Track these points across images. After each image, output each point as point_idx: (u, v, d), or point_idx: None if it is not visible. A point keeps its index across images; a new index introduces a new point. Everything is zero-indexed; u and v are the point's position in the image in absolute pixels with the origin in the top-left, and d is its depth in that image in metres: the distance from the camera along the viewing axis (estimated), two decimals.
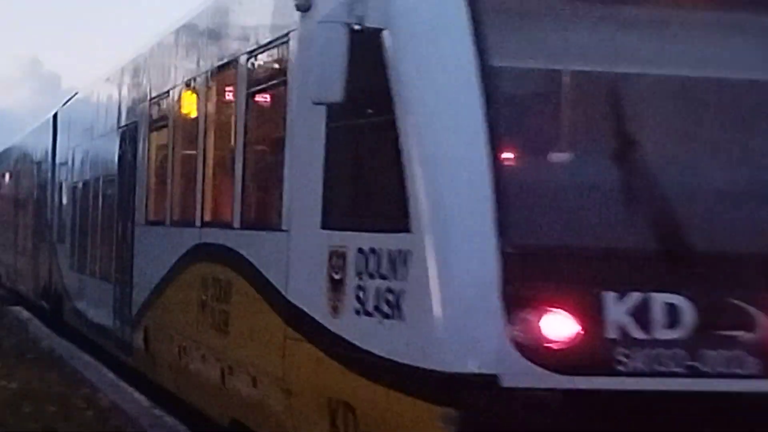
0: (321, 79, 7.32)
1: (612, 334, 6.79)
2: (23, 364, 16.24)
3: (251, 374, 9.61)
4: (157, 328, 13.44)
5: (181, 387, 12.58)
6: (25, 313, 24.53)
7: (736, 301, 7.00)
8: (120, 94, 16.79)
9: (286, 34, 9.02)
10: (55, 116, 23.80)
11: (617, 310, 6.80)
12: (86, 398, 13.58)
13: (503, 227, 6.78)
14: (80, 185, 20.23)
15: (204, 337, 11.16)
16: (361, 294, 7.54)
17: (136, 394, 14.45)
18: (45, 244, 24.37)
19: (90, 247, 18.71)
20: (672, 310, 6.88)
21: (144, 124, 14.77)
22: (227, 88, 11.15)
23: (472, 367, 6.65)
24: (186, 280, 12.10)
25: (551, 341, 6.70)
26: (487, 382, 6.60)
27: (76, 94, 22.73)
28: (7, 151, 34.48)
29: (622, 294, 6.85)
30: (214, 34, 12.00)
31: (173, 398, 12.55)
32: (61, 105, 23.81)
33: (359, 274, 7.54)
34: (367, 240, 7.50)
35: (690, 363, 6.89)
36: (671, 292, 6.91)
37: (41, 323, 22.49)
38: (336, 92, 7.19)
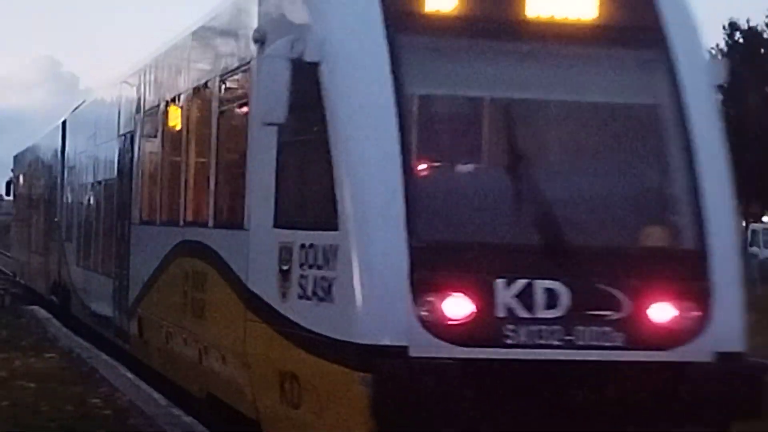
0: (267, 105, 9.05)
1: (501, 313, 8.45)
2: (41, 363, 16.28)
3: (221, 352, 11.20)
4: (149, 317, 14.93)
5: (167, 368, 14.10)
6: (43, 312, 24.56)
7: (604, 286, 8.67)
8: (119, 105, 18.34)
9: (248, 63, 10.57)
10: (64, 123, 25.38)
11: (506, 294, 8.48)
12: (104, 397, 13.52)
13: (411, 226, 8.44)
14: (85, 188, 21.87)
15: (185, 323, 12.77)
16: (303, 282, 9.16)
17: (155, 394, 14.29)
18: (55, 243, 25.89)
19: (93, 245, 20.27)
20: (551, 293, 8.55)
21: (138, 133, 16.40)
22: (203, 106, 12.78)
23: (385, 340, 8.29)
24: (172, 273, 13.65)
25: (451, 319, 8.37)
26: (398, 352, 8.23)
27: (83, 102, 24.27)
28: (21, 153, 36.12)
29: (510, 281, 8.51)
30: (195, 58, 13.68)
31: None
32: (70, 112, 25.36)
33: (302, 265, 9.18)
34: (307, 237, 9.17)
35: (566, 337, 8.53)
36: (550, 278, 8.57)
37: (59, 323, 22.65)
38: (279, 116, 8.94)
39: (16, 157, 38.14)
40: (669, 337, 8.72)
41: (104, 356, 18.09)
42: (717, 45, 69.24)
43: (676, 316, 8.75)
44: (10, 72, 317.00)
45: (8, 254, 45.24)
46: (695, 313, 8.80)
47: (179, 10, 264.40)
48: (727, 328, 8.94)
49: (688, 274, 8.96)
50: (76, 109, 24.79)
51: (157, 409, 13.17)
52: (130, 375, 16.16)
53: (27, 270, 33.10)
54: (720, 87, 10.20)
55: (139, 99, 16.73)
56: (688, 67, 9.49)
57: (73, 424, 11.77)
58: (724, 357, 8.78)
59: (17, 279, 35.54)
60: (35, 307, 25.84)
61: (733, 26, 67.32)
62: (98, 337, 19.15)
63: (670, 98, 9.46)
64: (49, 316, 23.92)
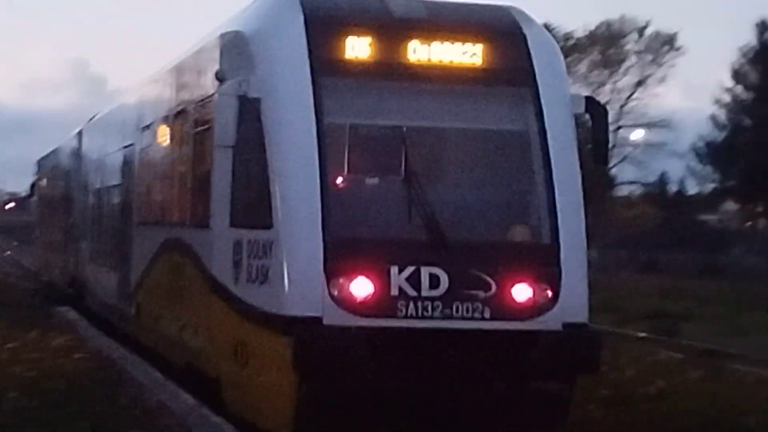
0: (220, 131, 11.80)
1: (394, 292, 10.87)
2: (71, 363, 16.14)
3: (194, 328, 13.87)
4: (144, 303, 17.63)
5: (157, 345, 16.62)
6: (73, 314, 24.64)
7: (475, 272, 11.06)
8: (123, 120, 20.74)
9: (212, 95, 12.67)
10: (80, 132, 27.75)
11: (399, 277, 10.90)
12: (134, 397, 13.44)
13: (326, 226, 10.93)
14: (96, 192, 24.28)
15: (169, 306, 15.68)
16: (249, 269, 11.72)
17: (184, 394, 14.51)
18: (71, 241, 28.22)
19: (102, 243, 22.89)
20: (433, 277, 10.95)
21: (137, 146, 19.01)
22: (182, 128, 15.33)
23: (304, 312, 10.78)
24: (160, 265, 16.35)
25: (355, 297, 10.81)
26: (314, 321, 10.72)
27: (96, 114, 26.50)
28: (44, 158, 38.08)
29: (401, 267, 10.93)
30: (176, 87, 16.24)
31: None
32: (86, 122, 27.58)
33: (248, 256, 11.72)
34: (251, 234, 11.73)
35: (445, 311, 10.92)
36: (433, 265, 10.97)
37: (89, 323, 22.70)
38: (230, 140, 11.75)
39: (39, 161, 40.03)
40: (526, 311, 11.19)
41: (133, 357, 18.14)
42: (748, 43, 69.65)
43: (532, 295, 11.21)
44: (40, 73, 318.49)
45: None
46: (548, 293, 11.29)
47: (204, 10, 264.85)
48: (574, 305, 11.47)
49: (543, 262, 11.45)
50: (90, 120, 27.06)
51: (186, 408, 13.11)
52: (158, 375, 16.17)
53: (48, 266, 35.30)
54: (751, 86, 12.20)
55: (136, 117, 19.30)
56: (551, 101, 11.98)
57: (103, 424, 11.73)
58: (570, 326, 11.33)
59: (41, 276, 37.30)
60: (65, 308, 25.92)
61: (764, 25, 67.70)
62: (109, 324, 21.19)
63: (534, 126, 11.93)
64: (79, 316, 23.99)
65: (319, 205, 11.12)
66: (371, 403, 11.19)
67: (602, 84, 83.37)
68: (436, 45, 11.99)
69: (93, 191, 24.86)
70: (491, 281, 11.21)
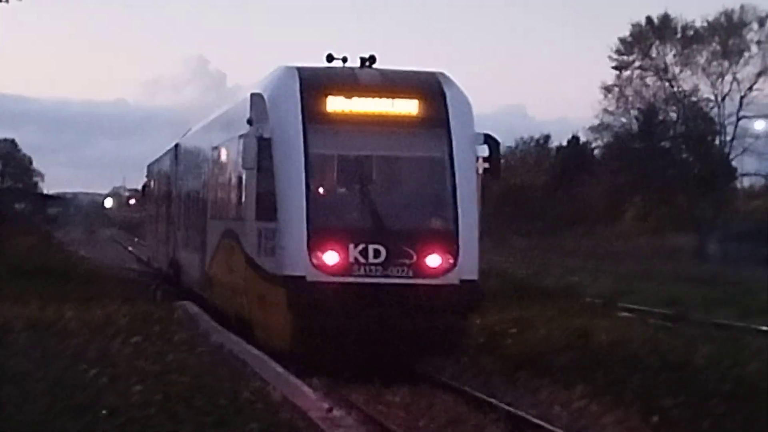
0: (246, 159, 19.06)
1: (351, 260, 17.80)
2: (193, 357, 16.28)
3: (239, 289, 20.91)
4: (212, 274, 24.84)
5: (221, 304, 23.42)
6: (194, 308, 25.00)
7: (404, 248, 17.95)
8: (202, 140, 28.34)
9: (246, 133, 19.74)
10: (176, 145, 34.80)
11: (354, 251, 17.77)
12: (256, 392, 13.72)
13: (309, 220, 17.89)
14: (187, 194, 31.20)
15: (227, 276, 22.60)
16: (265, 246, 18.83)
17: (305, 388, 14.86)
18: (170, 233, 35.27)
19: (189, 233, 29.95)
20: (376, 251, 17.80)
21: (209, 161, 26.50)
22: (230, 152, 22.98)
23: (294, 273, 17.74)
24: (222, 247, 23.34)
25: (327, 263, 17.79)
26: (301, 278, 17.65)
27: (188, 131, 33.31)
28: (152, 163, 44.91)
29: (356, 245, 17.80)
30: (228, 123, 23.84)
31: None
32: (180, 137, 34.39)
33: (264, 239, 18.83)
34: (266, 224, 18.77)
35: (384, 272, 17.85)
36: (376, 243, 17.80)
37: (210, 318, 23.01)
38: (252, 165, 19.01)
39: (148, 166, 46.70)
40: (436, 272, 18.16)
41: (255, 351, 18.34)
42: None
43: (440, 262, 18.18)
44: (162, 71, 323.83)
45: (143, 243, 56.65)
46: (450, 261, 18.22)
47: (312, 7, 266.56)
48: (467, 268, 18.41)
49: (447, 242, 18.33)
50: (183, 135, 33.96)
51: (308, 402, 13.24)
52: (280, 369, 16.35)
53: (155, 254, 42.65)
54: None
55: (208, 139, 26.66)
56: (459, 138, 18.80)
57: (226, 418, 11.84)
58: (464, 281, 18.33)
59: (152, 263, 44.29)
60: (186, 302, 26.29)
61: None
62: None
63: (447, 154, 18.79)
64: (200, 310, 24.33)
65: (304, 207, 18.20)
66: (337, 330, 17.78)
67: (722, 75, 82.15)
68: (386, 101, 19.07)
69: (184, 193, 31.93)
70: (414, 253, 18.13)
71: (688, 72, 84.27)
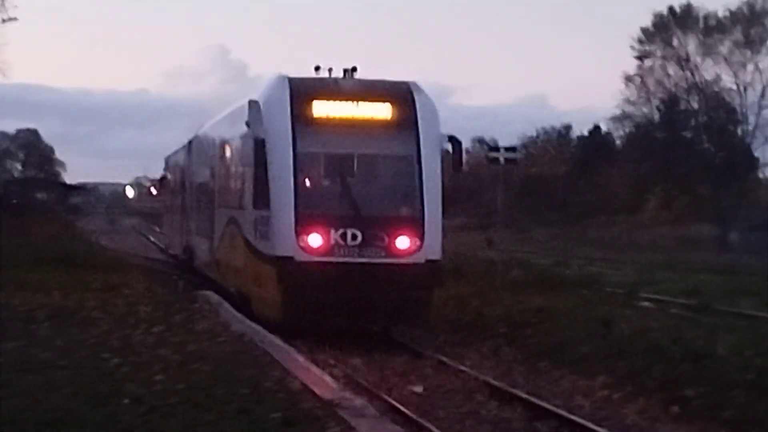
0: (243, 156, 22.52)
1: (332, 243, 20.46)
2: (215, 347, 16.25)
3: (239, 269, 23.89)
4: (220, 258, 27.62)
5: (226, 283, 26.24)
6: (215, 297, 25.03)
7: (378, 232, 20.58)
8: (209, 138, 31.58)
9: (245, 134, 22.11)
10: (189, 141, 37.26)
11: (335, 235, 20.41)
12: (277, 381, 13.69)
13: (296, 209, 20.47)
14: (198, 185, 34.31)
15: (230, 257, 25.48)
16: (260, 231, 21.58)
17: (327, 378, 14.86)
18: (184, 221, 38.07)
19: (200, 221, 32.86)
20: (354, 235, 20.41)
21: (216, 158, 29.61)
22: (232, 149, 25.91)
23: (284, 253, 20.52)
24: (226, 233, 26.08)
25: (311, 245, 20.46)
26: (289, 258, 20.44)
27: (201, 127, 34.85)
28: (169, 156, 47.30)
29: (336, 229, 20.44)
30: (230, 124, 25.84)
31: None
32: (194, 134, 36.43)
33: (260, 225, 21.57)
34: (261, 213, 21.43)
35: (360, 252, 20.50)
36: (354, 228, 20.46)
37: (231, 307, 23.05)
38: (250, 162, 21.95)
39: (166, 159, 48.97)
40: (405, 253, 20.74)
41: (277, 340, 18.36)
42: None
43: (408, 244, 20.74)
44: (183, 61, 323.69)
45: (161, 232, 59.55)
46: (417, 243, 20.78)
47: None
48: (431, 250, 20.94)
49: (414, 227, 20.87)
50: (196, 132, 35.90)
51: (329, 392, 13.24)
52: (301, 358, 16.36)
53: (171, 241, 45.93)
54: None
55: (214, 138, 30.08)
56: (426, 138, 21.39)
57: (248, 406, 11.86)
58: (429, 261, 20.90)
59: (168, 249, 47.21)
60: (208, 292, 26.33)
61: None
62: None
63: (415, 152, 21.35)
64: (221, 300, 24.37)
65: (292, 198, 20.82)
66: (321, 302, 20.61)
67: (744, 64, 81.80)
68: (363, 106, 21.64)
69: (196, 185, 34.82)
70: (386, 237, 20.79)
71: (710, 61, 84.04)
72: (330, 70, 22.03)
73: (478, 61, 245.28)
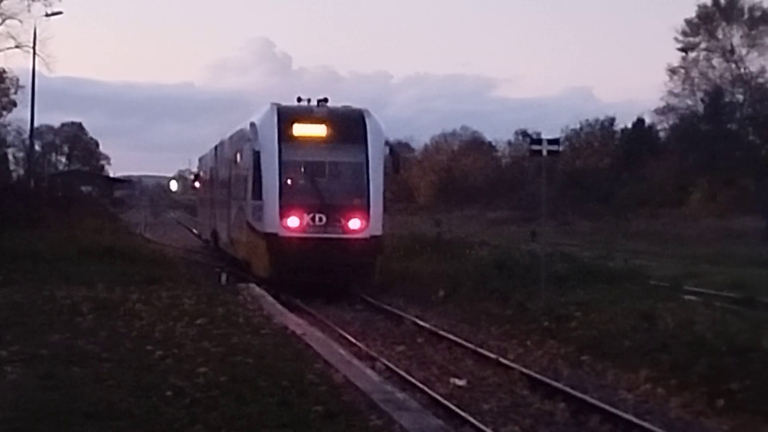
0: (245, 162, 32.14)
1: (305, 224, 28.75)
2: (258, 339, 16.53)
3: (244, 243, 32.19)
4: (233, 237, 35.19)
5: (238, 255, 33.96)
6: (258, 290, 25.22)
7: (338, 216, 28.90)
8: (229, 144, 38.70)
9: (247, 146, 31.69)
10: (216, 146, 44.36)
11: (307, 217, 28.72)
12: (319, 374, 13.83)
13: (280, 199, 28.81)
14: (221, 182, 41.43)
15: (238, 235, 33.31)
16: (257, 215, 29.80)
17: (369, 371, 14.91)
18: (212, 211, 45.14)
19: (222, 210, 39.72)
20: (320, 218, 28.70)
21: (231, 161, 37.09)
22: (242, 155, 33.52)
23: (271, 230, 28.81)
24: (237, 218, 33.66)
25: (290, 225, 28.69)
26: (275, 234, 28.68)
27: (227, 134, 40.48)
28: (202, 157, 54.48)
29: (308, 214, 28.72)
30: (238, 139, 34.93)
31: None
32: (221, 139, 42.42)
33: (257, 210, 29.81)
34: (257, 202, 29.66)
35: (325, 230, 28.69)
36: (321, 213, 28.75)
37: (274, 300, 23.14)
38: (249, 166, 30.63)
39: (199, 158, 56.81)
40: (356, 231, 28.77)
41: (319, 333, 18.42)
42: None
43: (359, 225, 28.80)
44: (227, 54, 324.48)
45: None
46: (365, 224, 28.81)
47: None
48: (374, 229, 29.00)
49: (363, 212, 28.93)
50: (221, 139, 42.37)
51: (370, 385, 13.25)
52: (343, 351, 16.36)
53: (202, 228, 53.69)
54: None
55: (231, 145, 37.84)
56: (373, 150, 29.46)
57: (290, 399, 11.95)
58: (372, 236, 28.92)
59: (201, 236, 53.78)
60: (251, 285, 26.51)
61: None
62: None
63: (365, 160, 29.28)
64: (264, 293, 24.48)
65: (278, 192, 28.77)
66: (297, 264, 28.33)
67: None
68: (329, 127, 29.71)
69: (220, 181, 42.18)
70: (342, 219, 28.74)
71: (755, 53, 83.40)
72: (309, 100, 30.66)
73: (523, 53, 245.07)
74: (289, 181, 29.36)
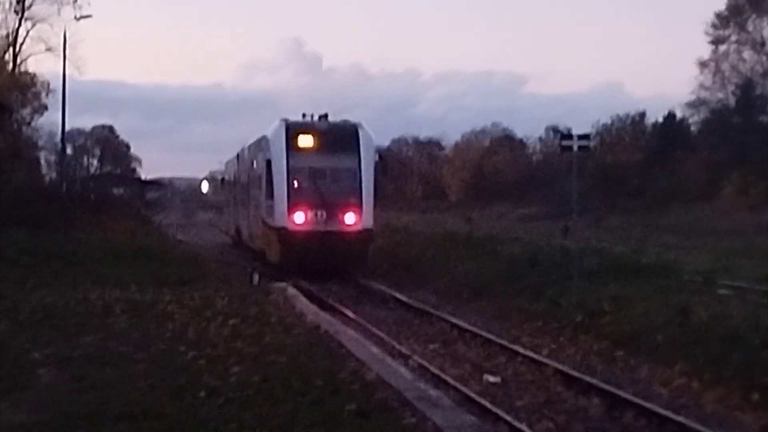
0: (258, 169, 38.47)
1: (309, 219, 34.23)
2: (290, 339, 16.49)
3: (259, 235, 38.41)
4: (251, 232, 41.73)
5: (254, 244, 40.32)
6: (291, 290, 25.25)
7: (337, 212, 34.35)
8: (248, 152, 43.89)
9: (261, 156, 37.70)
10: (237, 154, 49.64)
11: (310, 214, 34.22)
12: (352, 372, 13.78)
13: (288, 199, 34.25)
14: (242, 185, 46.71)
15: (255, 230, 39.86)
16: (269, 212, 35.43)
17: (402, 369, 14.93)
18: (235, 210, 50.99)
19: (243, 209, 45.70)
20: (321, 214, 34.24)
21: (249, 168, 42.58)
22: (256, 164, 39.68)
23: (281, 225, 34.29)
24: (254, 215, 40.10)
25: (296, 221, 34.12)
26: (284, 228, 34.17)
27: (245, 144, 46.19)
28: (227, 162, 59.97)
29: (311, 211, 34.22)
30: (255, 148, 40.71)
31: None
32: (241, 149, 48.00)
33: (269, 208, 35.45)
34: (269, 201, 35.35)
35: (326, 224, 34.18)
36: (322, 210, 34.27)
37: (306, 299, 23.15)
38: (263, 172, 36.55)
39: (225, 163, 62.59)
40: (350, 224, 34.25)
41: (351, 332, 18.42)
42: None
43: (354, 220, 34.26)
44: (257, 54, 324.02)
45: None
46: (359, 218, 34.25)
47: None
48: (366, 223, 34.49)
49: (356, 209, 34.35)
50: (242, 147, 47.44)
51: (404, 383, 13.23)
52: (376, 350, 16.35)
53: (227, 226, 58.86)
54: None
55: (249, 154, 43.03)
56: (365, 157, 35.05)
57: (323, 398, 11.94)
58: (365, 229, 34.45)
59: (228, 233, 57.16)
60: (283, 284, 26.54)
61: None
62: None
63: (357, 166, 34.80)
64: (297, 293, 24.49)
65: (286, 193, 34.23)
66: (302, 253, 33.71)
67: None
68: (328, 138, 35.22)
69: (241, 184, 47.53)
70: (340, 215, 34.23)
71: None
72: (312, 116, 36.67)
73: (553, 48, 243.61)
74: (295, 184, 34.61)
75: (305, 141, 35.03)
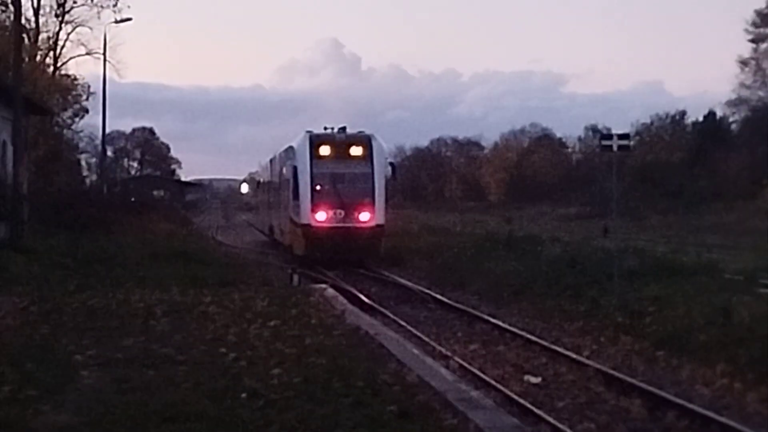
0: (287, 174, 44.77)
1: (329, 216, 40.67)
2: (331, 340, 16.34)
3: (287, 231, 44.66)
4: (281, 229, 47.71)
5: (283, 240, 46.29)
6: (330, 291, 25.20)
7: (353, 211, 40.77)
8: (278, 160, 51.09)
9: (288, 163, 44.41)
10: (271, 160, 56.01)
11: (330, 212, 40.72)
12: (393, 373, 13.63)
13: (312, 200, 40.75)
14: (274, 187, 52.57)
15: (284, 227, 46.04)
16: (296, 211, 41.78)
17: (443, 370, 14.77)
18: (268, 209, 56.97)
19: (274, 209, 51.80)
20: (340, 212, 40.80)
21: (279, 172, 49.58)
22: (284, 170, 46.50)
23: (306, 222, 40.66)
24: (284, 214, 46.04)
25: (318, 219, 40.59)
26: (309, 224, 40.63)
27: (276, 152, 52.41)
28: (261, 167, 68.44)
29: (332, 209, 40.70)
30: (283, 157, 47.68)
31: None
32: (273, 155, 54.26)
33: (295, 208, 41.85)
34: (296, 202, 41.67)
35: (344, 221, 40.61)
36: (341, 209, 40.81)
37: (346, 300, 23.12)
38: (290, 177, 42.93)
39: (261, 168, 69.74)
40: (365, 221, 40.68)
41: (391, 333, 18.40)
42: None
43: (368, 217, 40.73)
44: (296, 56, 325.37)
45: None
46: (372, 216, 40.74)
47: None
48: (379, 219, 40.95)
49: (370, 208, 40.82)
50: (274, 154, 53.78)
51: (445, 384, 13.18)
52: (416, 351, 16.31)
53: (262, 225, 63.52)
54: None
55: (279, 160, 49.94)
56: (377, 163, 41.71)
57: (364, 399, 11.81)
58: (378, 225, 40.94)
59: (264, 231, 61.04)
60: (323, 285, 26.52)
61: None
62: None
63: (371, 171, 41.24)
64: (336, 294, 24.47)
65: (309, 195, 40.73)
66: (324, 246, 39.98)
67: None
68: (346, 148, 41.73)
69: (273, 187, 53.90)
70: (356, 213, 40.69)
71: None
72: (332, 128, 42.81)
73: (592, 48, 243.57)
74: (317, 187, 40.91)
75: (326, 150, 41.50)
